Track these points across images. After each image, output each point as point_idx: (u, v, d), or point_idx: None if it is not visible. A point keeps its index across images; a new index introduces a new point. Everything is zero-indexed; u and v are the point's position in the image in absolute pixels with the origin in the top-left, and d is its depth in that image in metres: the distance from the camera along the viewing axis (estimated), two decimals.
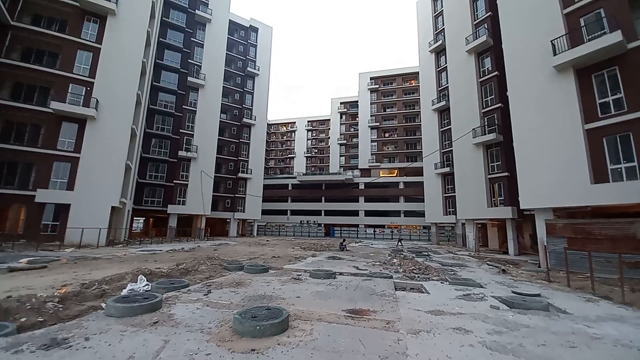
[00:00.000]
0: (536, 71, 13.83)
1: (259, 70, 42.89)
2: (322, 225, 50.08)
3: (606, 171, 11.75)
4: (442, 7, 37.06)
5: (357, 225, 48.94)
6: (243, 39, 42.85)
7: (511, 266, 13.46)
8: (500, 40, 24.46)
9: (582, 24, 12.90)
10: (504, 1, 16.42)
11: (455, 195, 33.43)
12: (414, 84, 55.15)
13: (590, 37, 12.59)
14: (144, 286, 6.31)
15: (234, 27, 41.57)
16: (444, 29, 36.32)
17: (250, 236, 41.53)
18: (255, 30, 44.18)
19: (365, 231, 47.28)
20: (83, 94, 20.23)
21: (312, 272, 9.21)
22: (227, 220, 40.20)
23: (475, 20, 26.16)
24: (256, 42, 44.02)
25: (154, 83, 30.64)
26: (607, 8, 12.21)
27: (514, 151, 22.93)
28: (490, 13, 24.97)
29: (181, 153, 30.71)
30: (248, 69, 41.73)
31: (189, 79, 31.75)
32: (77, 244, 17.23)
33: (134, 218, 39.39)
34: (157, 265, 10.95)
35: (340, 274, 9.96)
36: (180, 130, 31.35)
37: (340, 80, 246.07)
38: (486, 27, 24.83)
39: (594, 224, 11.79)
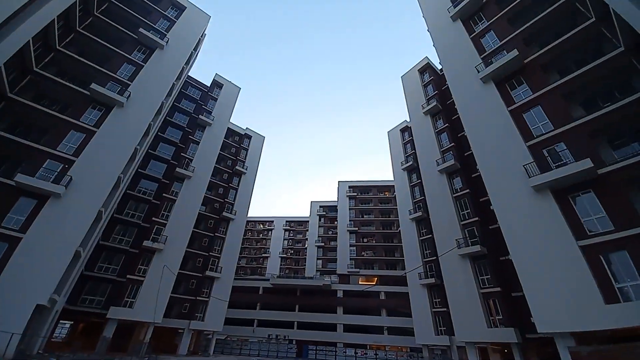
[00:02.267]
0: (517, 192, 15.05)
1: (246, 169, 44.72)
2: (294, 341, 42.17)
3: (614, 290, 11.22)
4: (410, 136, 44.15)
5: (335, 344, 41.71)
6: (236, 143, 46.34)
7: None
8: (467, 164, 28.46)
9: (546, 154, 15.02)
10: (474, 135, 19.33)
11: (445, 311, 30.74)
12: (388, 195, 59.29)
13: (556, 164, 14.39)
14: None
15: (230, 132, 45.56)
16: (413, 152, 42.08)
17: (204, 354, 33.21)
18: (249, 137, 48.57)
19: (345, 352, 39.92)
20: (58, 170, 18.90)
21: None
22: (179, 331, 32.70)
23: (441, 148, 30.55)
24: (248, 147, 47.59)
25: (139, 169, 30.20)
26: (568, 141, 14.51)
27: (502, 264, 23.00)
28: (453, 144, 29.57)
29: (146, 243, 27.38)
30: (237, 167, 43.44)
31: (177, 169, 31.83)
32: None
33: (60, 321, 31.46)
34: None
35: None
36: (153, 219, 28.99)
37: (318, 185, 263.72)
38: (452, 153, 28.82)
39: (621, 349, 10.33)
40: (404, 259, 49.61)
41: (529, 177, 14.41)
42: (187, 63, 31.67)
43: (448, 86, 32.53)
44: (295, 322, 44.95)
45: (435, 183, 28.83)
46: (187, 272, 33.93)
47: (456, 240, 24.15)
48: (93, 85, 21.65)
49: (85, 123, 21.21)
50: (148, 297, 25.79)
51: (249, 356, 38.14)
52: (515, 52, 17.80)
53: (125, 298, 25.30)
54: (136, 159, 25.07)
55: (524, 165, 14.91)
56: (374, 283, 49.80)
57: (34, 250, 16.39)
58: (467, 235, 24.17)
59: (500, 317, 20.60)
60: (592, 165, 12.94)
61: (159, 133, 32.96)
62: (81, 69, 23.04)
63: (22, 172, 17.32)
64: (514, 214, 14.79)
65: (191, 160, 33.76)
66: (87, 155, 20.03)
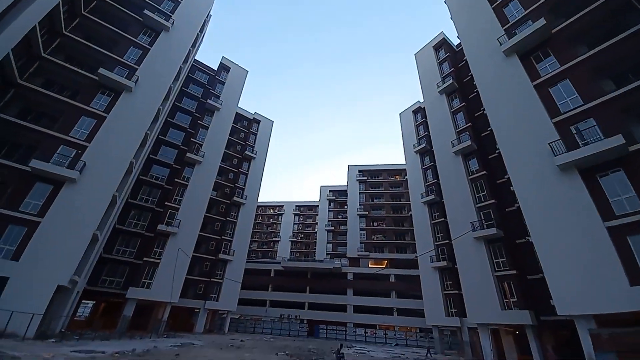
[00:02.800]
0: (540, 172, 14.31)
1: (256, 154, 44.56)
2: (305, 321, 43.35)
3: (639, 272, 10.69)
4: (422, 118, 42.74)
5: (345, 324, 42.65)
6: (245, 128, 46.01)
7: None
8: (483, 145, 27.40)
9: (574, 131, 14.12)
10: (494, 113, 18.37)
11: (457, 293, 30.75)
12: (398, 179, 58.50)
13: (584, 142, 13.53)
14: None
15: (239, 117, 45.18)
16: (426, 134, 40.90)
17: (219, 332, 34.54)
18: (258, 122, 48.06)
19: (355, 331, 40.90)
20: (71, 156, 19.13)
21: None
22: (195, 311, 33.96)
23: (457, 129, 29.37)
24: (257, 132, 47.19)
25: (150, 155, 30.41)
26: (598, 117, 13.57)
27: (517, 247, 22.50)
28: (469, 124, 28.36)
29: (161, 227, 27.95)
30: (246, 152, 43.30)
31: (188, 154, 31.91)
32: None
33: (82, 301, 33.06)
34: None
35: None
36: (166, 203, 29.43)
37: (328, 170, 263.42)
38: (468, 134, 27.69)
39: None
40: (414, 243, 49.70)
41: (555, 156, 13.63)
42: (193, 45, 30.99)
43: (465, 63, 31.05)
44: (306, 303, 45.98)
45: (450, 165, 27.97)
46: (201, 255, 34.78)
47: (471, 223, 23.61)
48: (101, 70, 21.47)
49: (95, 108, 21.21)
50: (164, 279, 26.58)
51: (262, 334, 39.54)
52: (542, 21, 16.47)
53: (142, 279, 26.15)
54: (147, 145, 25.13)
55: (549, 143, 14.08)
56: (384, 266, 50.11)
57: (53, 234, 16.85)
58: (483, 218, 23.58)
59: (515, 300, 20.33)
60: (624, 141, 12.09)
61: (168, 118, 32.89)
62: (88, 53, 22.81)
63: (36, 158, 17.53)
64: (537, 194, 14.13)
65: (201, 146, 33.74)
66: (98, 141, 20.14)
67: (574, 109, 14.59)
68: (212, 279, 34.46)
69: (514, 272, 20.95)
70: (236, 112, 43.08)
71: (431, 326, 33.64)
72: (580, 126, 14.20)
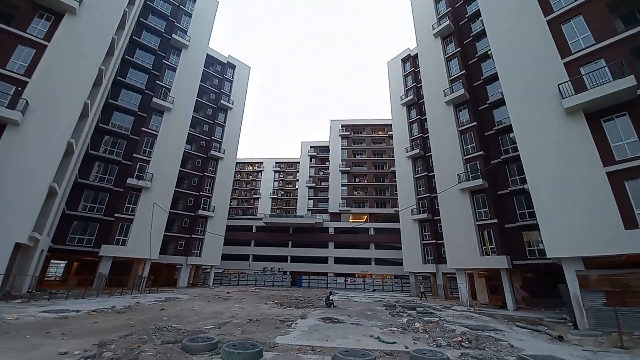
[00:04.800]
0: (545, 116, 13.69)
1: (232, 104, 40.89)
2: (288, 273, 44.88)
3: (634, 216, 10.89)
4: (411, 67, 40.58)
5: (326, 274, 44.72)
6: (219, 73, 41.37)
7: (545, 328, 11.24)
8: (474, 95, 26.51)
9: (583, 72, 13.30)
10: (501, 53, 17.01)
11: (434, 243, 32.41)
12: (381, 134, 57.70)
13: (592, 85, 12.84)
14: None
15: (210, 60, 40.21)
16: (414, 86, 39.26)
17: (204, 286, 34.68)
18: (233, 67, 43.29)
19: (336, 280, 43.13)
20: (11, 93, 15.78)
21: (339, 357, 5.77)
22: (177, 267, 33.47)
23: (450, 77, 27.93)
24: (232, 78, 42.73)
25: (109, 100, 26.48)
26: (609, 58, 12.76)
27: (499, 198, 23.16)
28: (464, 71, 26.97)
29: (131, 181, 25.53)
30: (221, 101, 39.49)
31: (155, 99, 28.18)
32: None
33: (51, 261, 31.08)
34: (62, 347, 6.54)
35: (373, 356, 6.57)
36: (134, 155, 26.56)
37: (309, 125, 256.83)
38: (462, 82, 26.46)
39: (631, 274, 10.45)
40: (393, 198, 51.08)
41: (563, 98, 12.91)
42: None
43: (463, 2, 28.55)
44: (289, 257, 47.11)
45: (441, 115, 27.08)
46: (179, 212, 33.20)
47: (457, 175, 23.64)
48: None
49: (33, 35, 17.23)
50: (140, 235, 25.06)
51: (247, 286, 40.51)
52: None
53: (116, 236, 24.46)
54: (103, 84, 21.46)
55: (558, 85, 13.27)
56: (364, 220, 51.60)
57: (3, 188, 14.43)
58: (469, 170, 23.64)
59: (493, 247, 21.40)
60: (636, 83, 11.49)
61: (126, 56, 28.21)
62: None
63: None
64: (539, 139, 13.68)
65: (169, 90, 29.86)
66: (41, 75, 16.63)
67: (586, 47, 13.63)
68: (192, 235, 33.44)
69: (494, 221, 21.73)
70: (208, 55, 38.23)
71: (408, 273, 35.90)
72: (590, 67, 13.40)
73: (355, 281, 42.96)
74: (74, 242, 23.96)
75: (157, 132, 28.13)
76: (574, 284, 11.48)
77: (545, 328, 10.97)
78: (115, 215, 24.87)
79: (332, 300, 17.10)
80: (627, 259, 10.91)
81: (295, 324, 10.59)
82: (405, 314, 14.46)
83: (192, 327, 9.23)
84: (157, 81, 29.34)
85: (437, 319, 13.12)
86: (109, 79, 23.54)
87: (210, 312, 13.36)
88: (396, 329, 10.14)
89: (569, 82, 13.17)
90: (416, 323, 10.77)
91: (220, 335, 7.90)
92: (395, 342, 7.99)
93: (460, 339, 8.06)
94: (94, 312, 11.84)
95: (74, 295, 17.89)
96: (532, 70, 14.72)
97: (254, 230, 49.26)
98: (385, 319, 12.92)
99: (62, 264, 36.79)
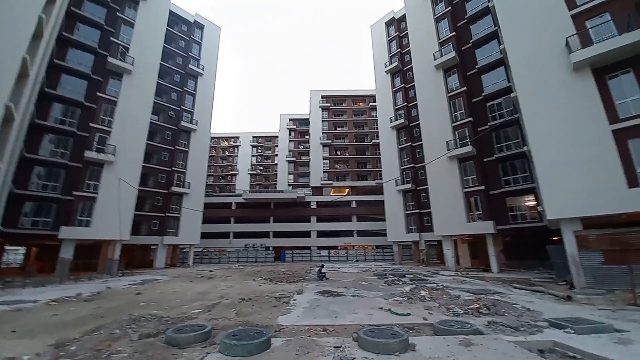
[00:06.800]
0: (550, 72, 12.97)
1: (203, 69, 37.02)
2: (272, 249, 44.28)
3: (635, 175, 10.76)
4: (396, 32, 38.57)
5: (309, 248, 44.69)
6: (186, 34, 36.87)
7: (543, 288, 11.25)
8: (463, 59, 25.54)
9: (589, 26, 12.54)
10: (504, 8, 15.75)
11: (417, 212, 32.77)
12: (362, 106, 56.24)
13: (597, 39, 12.16)
14: None
15: (175, 19, 35.55)
16: (398, 52, 37.55)
17: (183, 266, 33.12)
18: (201, 27, 38.73)
19: (319, 253, 43.27)
20: None
21: (364, 339, 4.79)
22: (153, 247, 31.38)
23: (440, 40, 26.58)
24: (201, 40, 38.37)
25: (55, 60, 22.46)
26: (614, 11, 12.04)
27: (486, 165, 23.19)
28: (454, 33, 25.69)
29: (90, 154, 22.48)
30: (190, 66, 35.54)
31: (110, 59, 24.34)
32: None
33: (5, 247, 27.87)
34: (8, 349, 5.05)
35: (402, 332, 5.63)
36: (91, 125, 23.24)
37: (287, 98, 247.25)
38: (452, 45, 25.27)
39: (633, 232, 10.47)
40: (375, 170, 50.98)
41: (571, 52, 12.16)
42: None
43: None
44: (271, 232, 46.27)
45: (429, 81, 26.01)
46: (151, 189, 30.54)
47: (446, 142, 23.18)
48: None
49: None
50: (106, 215, 22.63)
51: (229, 263, 39.47)
52: None
53: (77, 217, 21.84)
54: (45, 37, 17.82)
55: (567, 38, 12.45)
56: (346, 193, 51.40)
57: None
58: (458, 137, 23.22)
59: (480, 213, 21.65)
60: None
61: (72, 8, 23.72)
62: None
63: None
64: (543, 97, 13.04)
65: (127, 50, 25.94)
66: None
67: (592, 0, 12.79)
68: (167, 214, 31.16)
69: (482, 187, 21.81)
70: (172, 12, 33.74)
71: (391, 242, 36.51)
72: (595, 21, 12.66)
73: (338, 253, 43.34)
74: (28, 225, 21.12)
75: (117, 98, 24.63)
76: (572, 245, 11.46)
77: (543, 288, 10.95)
78: (75, 193, 22.03)
79: (324, 272, 16.46)
80: (626, 218, 10.92)
81: (294, 300, 9.68)
82: (400, 282, 14.14)
83: (176, 313, 7.96)
84: (112, 38, 25.25)
85: (435, 285, 12.86)
86: (52, 32, 19.65)
87: (195, 293, 12.11)
88: (401, 298, 9.56)
89: (576, 36, 12.38)
90: (421, 291, 10.29)
91: (213, 320, 6.74)
92: (410, 314, 7.29)
93: (477, 305, 7.54)
94: (54, 302, 10.14)
95: (33, 283, 15.82)
96: (537, 25, 13.77)
97: (233, 207, 47.44)
98: (383, 288, 12.45)
99: (22, 249, 33.34)
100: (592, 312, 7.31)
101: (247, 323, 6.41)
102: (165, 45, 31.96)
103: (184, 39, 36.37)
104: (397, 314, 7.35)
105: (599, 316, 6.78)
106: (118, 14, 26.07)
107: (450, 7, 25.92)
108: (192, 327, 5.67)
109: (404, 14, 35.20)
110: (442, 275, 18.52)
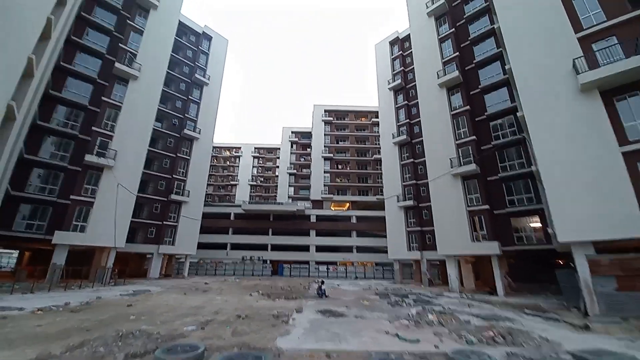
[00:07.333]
0: (558, 93, 12.94)
1: (209, 79, 37.46)
2: (269, 262, 43.25)
3: None
4: (399, 50, 39.33)
5: (307, 262, 43.68)
6: (194, 44, 37.56)
7: (556, 315, 10.71)
8: (466, 79, 25.82)
9: (595, 49, 12.61)
10: (509, 24, 16.02)
11: (419, 230, 32.20)
12: (364, 121, 56.71)
13: (604, 62, 12.19)
14: None
15: (184, 29, 36.32)
16: (402, 70, 38.16)
17: (178, 277, 32.17)
18: (209, 38, 39.53)
19: (317, 268, 42.20)
20: None
21: None
22: (148, 256, 30.62)
23: (443, 59, 26.99)
24: (208, 51, 39.05)
25: (62, 63, 22.64)
26: (621, 35, 12.13)
27: (490, 184, 22.93)
28: (457, 53, 26.12)
29: (90, 158, 22.23)
30: (196, 75, 35.96)
31: (117, 65, 24.54)
32: None
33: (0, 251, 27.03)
34: None
35: None
36: (94, 129, 23.11)
37: (292, 113, 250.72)
38: (456, 64, 25.62)
39: None
40: (376, 186, 50.76)
41: (578, 74, 12.15)
42: None
43: None
44: (269, 245, 45.35)
45: (433, 99, 26.18)
46: (149, 196, 30.10)
47: (450, 159, 23.03)
48: None
49: None
50: (103, 221, 22.12)
51: (225, 276, 38.42)
52: None
53: (73, 222, 21.32)
54: (53, 38, 17.91)
55: (574, 59, 12.49)
56: (346, 208, 50.89)
57: None
58: (461, 155, 23.09)
59: (484, 233, 21.17)
60: None
61: (83, 14, 24.17)
62: None
63: None
64: (550, 118, 12.94)
65: (135, 56, 26.23)
66: None
67: (598, 24, 12.95)
68: (165, 222, 30.58)
69: (486, 207, 21.45)
70: (181, 22, 34.47)
71: (392, 260, 35.70)
72: (602, 44, 12.75)
73: (337, 269, 42.29)
74: (22, 228, 20.58)
75: (121, 103, 24.66)
76: (584, 269, 11.00)
77: (557, 316, 10.41)
78: (72, 197, 21.62)
79: (324, 290, 15.84)
80: (634, 247, 10.54)
81: (293, 319, 9.13)
82: (404, 303, 13.53)
83: (167, 329, 7.42)
84: (120, 44, 25.58)
85: (441, 307, 12.29)
86: (61, 35, 19.86)
87: (189, 307, 11.50)
88: (407, 322, 9.02)
89: (583, 58, 12.43)
90: (429, 315, 9.74)
91: (207, 340, 6.23)
92: (419, 340, 6.77)
93: (492, 333, 7.04)
94: (40, 311, 9.57)
95: (21, 289, 15.18)
96: (542, 46, 13.88)
97: (232, 218, 46.73)
98: (387, 309, 11.87)
99: (15, 253, 32.54)
100: (610, 341, 6.82)
101: (244, 344, 5.91)
102: (173, 54, 32.48)
103: (192, 48, 36.99)
104: (405, 339, 6.84)
105: (618, 346, 6.30)
106: (128, 21, 26.55)
107: (454, 29, 26.47)
108: (183, 346, 5.19)
109: (408, 34, 36.06)
110: (446, 297, 17.84)
